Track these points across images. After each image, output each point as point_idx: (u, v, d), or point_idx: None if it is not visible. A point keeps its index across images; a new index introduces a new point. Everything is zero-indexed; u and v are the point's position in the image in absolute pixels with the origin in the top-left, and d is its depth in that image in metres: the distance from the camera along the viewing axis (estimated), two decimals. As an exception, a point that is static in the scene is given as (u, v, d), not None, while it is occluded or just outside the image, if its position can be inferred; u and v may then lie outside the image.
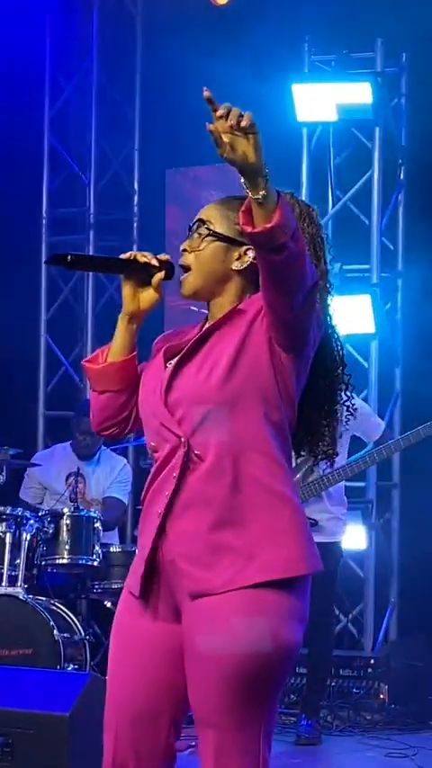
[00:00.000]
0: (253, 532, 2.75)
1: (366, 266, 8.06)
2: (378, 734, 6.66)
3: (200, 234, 2.95)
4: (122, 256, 3.01)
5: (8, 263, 8.61)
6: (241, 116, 2.59)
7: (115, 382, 3.04)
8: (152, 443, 2.91)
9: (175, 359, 2.93)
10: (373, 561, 7.84)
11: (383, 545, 7.99)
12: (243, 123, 2.57)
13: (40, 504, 7.29)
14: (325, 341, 2.94)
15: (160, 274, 2.99)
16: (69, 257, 2.91)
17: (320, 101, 7.79)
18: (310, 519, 6.23)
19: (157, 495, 2.86)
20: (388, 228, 8.20)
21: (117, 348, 3.05)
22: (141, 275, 3.00)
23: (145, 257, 2.98)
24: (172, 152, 8.59)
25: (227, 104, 2.62)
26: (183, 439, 2.81)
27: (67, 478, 7.11)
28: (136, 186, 9.20)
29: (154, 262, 2.98)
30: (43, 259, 9.08)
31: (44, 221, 9.25)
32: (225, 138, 2.59)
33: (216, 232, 2.93)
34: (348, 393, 3.07)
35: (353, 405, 3.11)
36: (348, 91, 7.74)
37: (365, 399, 7.49)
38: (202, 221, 2.96)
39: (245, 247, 2.91)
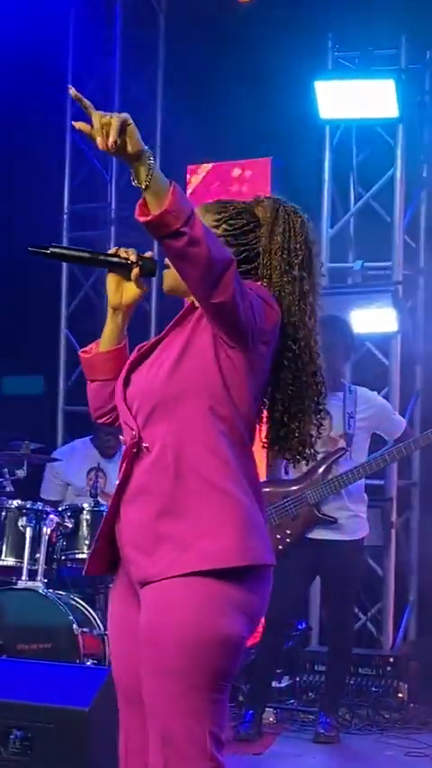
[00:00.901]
0: (191, 523, 2.81)
1: (388, 264, 8.04)
2: (397, 733, 6.65)
3: None
4: (110, 251, 3.08)
5: (29, 259, 8.59)
6: (119, 126, 2.64)
7: (103, 372, 3.15)
8: (122, 435, 3.04)
9: (133, 355, 3.06)
10: (393, 559, 7.82)
11: (403, 543, 7.98)
12: (111, 138, 2.64)
13: (62, 501, 7.29)
14: (292, 343, 2.97)
15: (136, 270, 3.05)
16: (50, 249, 2.99)
17: (344, 98, 7.78)
18: (329, 517, 6.30)
19: (117, 484, 2.98)
20: (410, 226, 8.18)
21: (105, 339, 3.16)
22: (122, 271, 3.08)
23: (126, 253, 3.05)
24: (193, 148, 8.58)
25: (101, 115, 2.69)
26: (134, 432, 2.91)
27: (87, 474, 7.12)
28: (158, 182, 9.18)
29: (132, 258, 3.05)
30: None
31: (65, 217, 9.26)
32: (97, 136, 2.65)
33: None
34: (319, 398, 3.06)
35: (323, 411, 3.10)
36: (372, 88, 7.72)
37: (386, 397, 7.46)
38: None
39: None
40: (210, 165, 8.32)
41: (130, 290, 3.10)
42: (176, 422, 2.86)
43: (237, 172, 8.22)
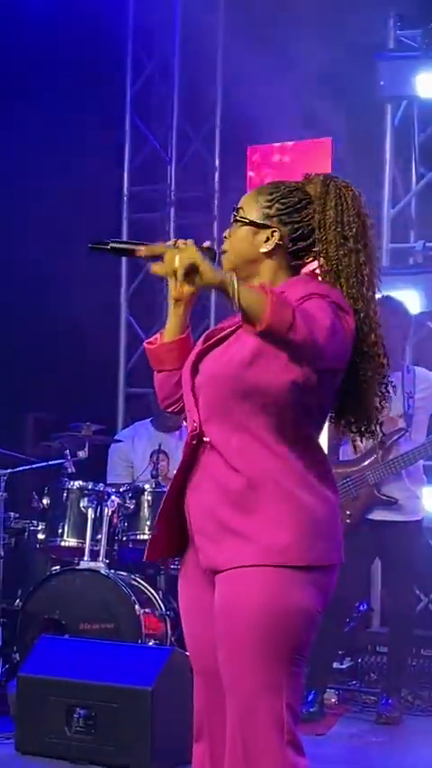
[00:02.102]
0: (256, 520, 2.87)
1: (450, 243, 8.00)
2: (459, 714, 6.65)
3: (235, 220, 3.11)
4: (168, 243, 3.07)
5: (89, 241, 8.65)
6: (185, 271, 2.79)
7: (168, 362, 3.19)
8: (186, 421, 3.09)
9: (201, 343, 3.10)
10: (454, 540, 7.79)
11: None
12: (179, 289, 2.94)
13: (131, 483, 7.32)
14: (361, 328, 2.98)
15: None
16: (109, 245, 3.08)
17: (405, 76, 7.74)
18: (389, 497, 6.30)
19: (177, 471, 3.05)
20: (473, 205, 8.14)
21: (168, 329, 3.19)
22: None
23: (184, 244, 3.03)
24: (253, 129, 8.57)
25: (170, 258, 2.84)
26: (196, 423, 2.98)
27: (151, 456, 7.15)
28: (217, 163, 9.19)
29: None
30: (124, 237, 9.14)
31: (125, 198, 9.29)
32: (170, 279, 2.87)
33: (243, 217, 3.08)
34: (381, 370, 3.06)
35: (390, 384, 3.11)
36: (433, 66, 7.68)
37: (447, 377, 7.43)
38: (237, 209, 3.12)
39: (271, 230, 3.05)
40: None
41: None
42: (241, 419, 2.91)
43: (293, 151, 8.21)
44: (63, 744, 5.13)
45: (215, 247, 3.09)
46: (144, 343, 3.29)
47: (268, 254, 3.05)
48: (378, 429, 3.11)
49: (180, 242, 3.02)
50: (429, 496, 6.74)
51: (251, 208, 3.08)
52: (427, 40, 7.81)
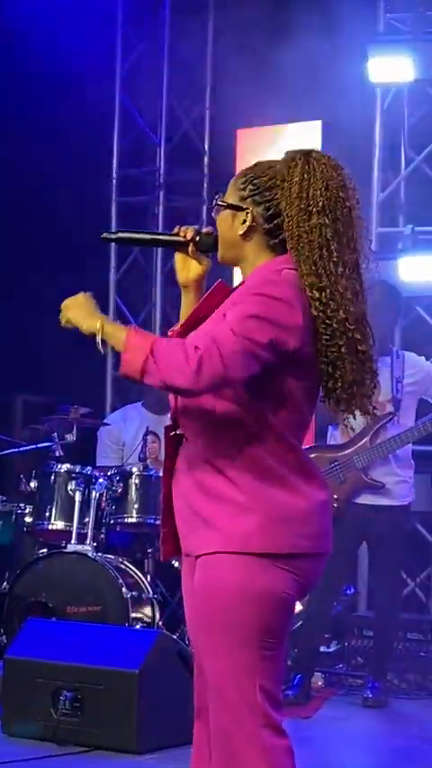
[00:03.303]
0: (220, 507, 2.90)
1: (438, 228, 8.01)
2: (445, 697, 6.68)
3: (215, 204, 3.12)
4: (174, 230, 3.18)
5: (78, 223, 8.64)
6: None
7: None
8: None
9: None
10: (441, 525, 7.83)
11: (451, 508, 7.96)
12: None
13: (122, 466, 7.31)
14: (317, 291, 2.89)
15: (191, 247, 3.16)
16: (117, 235, 3.23)
17: (395, 60, 7.73)
18: (376, 482, 6.31)
19: (164, 463, 3.10)
20: (461, 190, 8.14)
21: (183, 316, 3.21)
22: (182, 248, 3.19)
23: (184, 231, 3.15)
24: (243, 111, 8.56)
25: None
26: (173, 414, 3.02)
27: (143, 437, 7.13)
28: (206, 146, 9.20)
29: (189, 235, 3.14)
30: (113, 219, 9.14)
31: (114, 181, 9.28)
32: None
33: (224, 202, 3.08)
34: (359, 345, 2.96)
35: (368, 359, 3.01)
36: (423, 50, 7.66)
37: (435, 362, 7.45)
38: (220, 196, 3.12)
39: (244, 212, 3.03)
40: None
41: (195, 267, 3.18)
42: (210, 414, 2.92)
43: (284, 134, 8.20)
44: (49, 726, 5.14)
45: (215, 232, 3.12)
46: (169, 332, 3.23)
47: (246, 237, 3.03)
48: (368, 405, 3.03)
49: (182, 229, 3.15)
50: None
51: (231, 191, 3.07)
52: (417, 24, 7.80)
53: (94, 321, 2.92)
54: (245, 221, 3.02)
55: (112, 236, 3.23)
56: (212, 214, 3.13)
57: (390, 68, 7.76)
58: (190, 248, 3.15)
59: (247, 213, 3.02)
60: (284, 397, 2.92)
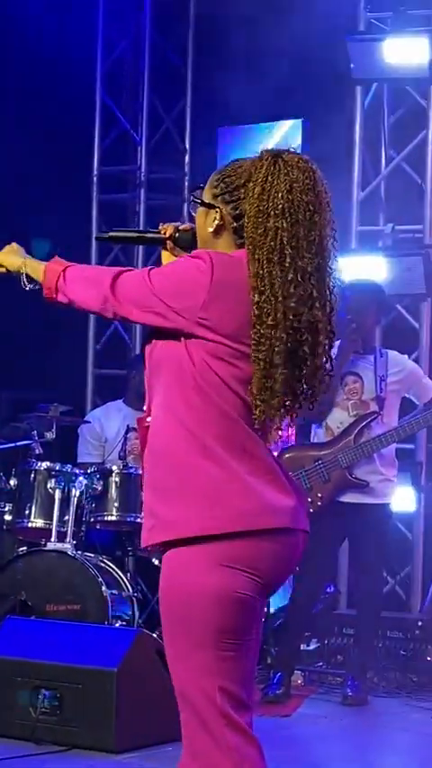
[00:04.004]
0: (157, 496, 2.91)
1: (419, 227, 7.98)
2: (425, 696, 6.65)
3: (192, 201, 3.14)
4: (173, 225, 3.24)
5: (58, 222, 8.61)
6: None
7: None
8: None
9: None
10: (422, 523, 7.80)
11: (432, 507, 7.95)
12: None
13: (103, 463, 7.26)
14: (257, 294, 2.85)
15: (170, 243, 3.21)
16: (108, 234, 3.39)
17: (375, 58, 7.70)
18: (360, 480, 6.29)
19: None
20: (442, 189, 8.11)
21: None
22: (164, 245, 3.26)
23: (164, 229, 3.21)
24: (224, 110, 8.53)
25: None
26: (147, 406, 3.03)
27: (126, 433, 7.09)
28: (187, 144, 9.17)
29: (168, 232, 3.19)
30: (94, 217, 9.11)
31: (95, 179, 9.24)
32: None
33: (199, 200, 3.08)
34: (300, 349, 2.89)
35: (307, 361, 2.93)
36: (404, 48, 7.63)
37: (416, 360, 7.43)
38: (199, 187, 3.13)
39: (215, 210, 3.02)
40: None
41: None
42: (161, 396, 2.95)
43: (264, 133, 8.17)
44: (28, 725, 5.10)
45: (194, 229, 3.14)
46: None
47: (216, 234, 3.02)
48: (305, 407, 2.94)
49: (163, 226, 3.19)
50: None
51: (207, 188, 3.07)
52: (397, 23, 7.77)
53: (18, 259, 3.15)
54: (215, 219, 3.01)
55: (105, 236, 3.39)
56: (190, 210, 3.14)
57: (370, 66, 7.72)
58: (168, 244, 3.18)
59: (217, 211, 3.01)
60: (216, 379, 2.89)
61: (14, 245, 3.21)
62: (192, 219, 3.15)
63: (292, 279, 2.85)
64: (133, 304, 2.94)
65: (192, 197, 3.11)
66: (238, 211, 2.97)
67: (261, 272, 2.85)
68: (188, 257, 2.96)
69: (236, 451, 2.87)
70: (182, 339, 2.89)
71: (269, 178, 2.88)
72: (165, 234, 3.20)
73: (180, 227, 3.17)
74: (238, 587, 2.84)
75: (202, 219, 3.05)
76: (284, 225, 2.85)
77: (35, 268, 3.10)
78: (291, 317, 2.84)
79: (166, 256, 3.22)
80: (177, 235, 3.18)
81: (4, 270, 3.17)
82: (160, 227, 3.22)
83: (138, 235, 3.48)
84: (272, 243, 2.85)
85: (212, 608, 2.83)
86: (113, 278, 2.96)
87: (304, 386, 2.91)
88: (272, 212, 2.85)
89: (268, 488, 2.88)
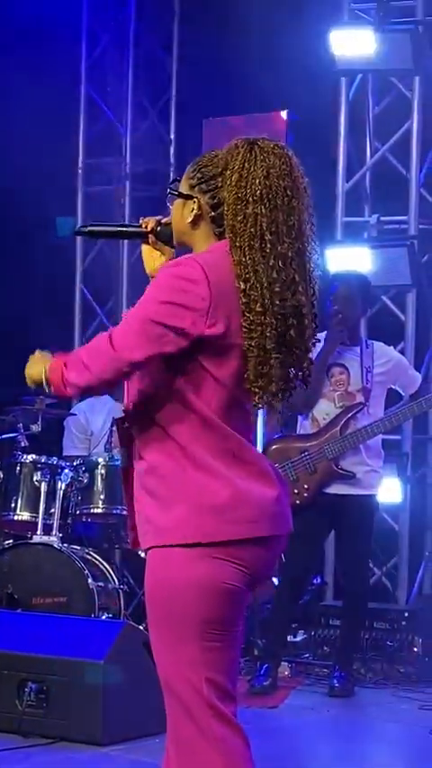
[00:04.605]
0: (152, 502, 2.90)
1: (404, 218, 7.97)
2: (411, 687, 6.65)
3: (168, 192, 3.10)
4: (142, 221, 3.21)
5: (44, 214, 8.58)
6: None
7: None
8: None
9: None
10: (408, 514, 7.81)
11: (418, 498, 7.95)
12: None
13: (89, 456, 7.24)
14: (242, 282, 2.85)
15: (151, 237, 3.18)
16: (88, 229, 3.29)
17: (359, 49, 7.68)
18: (347, 471, 6.28)
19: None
20: (426, 179, 8.09)
21: None
22: (145, 239, 3.21)
23: (145, 222, 3.17)
24: (209, 101, 8.51)
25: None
26: (124, 410, 3.04)
27: (112, 426, 7.08)
28: (172, 136, 9.14)
29: (149, 226, 3.16)
30: (79, 209, 9.09)
31: (80, 171, 9.21)
32: None
33: (175, 191, 3.06)
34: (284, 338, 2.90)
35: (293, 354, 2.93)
36: (388, 39, 7.62)
37: (402, 352, 7.43)
38: (174, 180, 3.12)
39: (192, 201, 3.00)
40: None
41: (159, 256, 3.18)
42: (140, 400, 2.94)
43: (250, 124, 8.14)
44: (14, 718, 5.08)
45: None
46: None
47: (194, 225, 3.00)
48: (274, 401, 2.91)
49: (145, 220, 3.17)
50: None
51: (183, 179, 3.05)
52: (381, 13, 7.75)
53: (40, 367, 3.00)
54: (192, 210, 2.99)
55: (84, 230, 3.28)
56: (167, 202, 3.11)
57: (354, 57, 7.71)
58: (150, 238, 3.16)
59: (195, 202, 2.99)
60: (204, 379, 2.87)
61: (38, 353, 3.06)
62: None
63: (273, 264, 2.85)
64: (135, 346, 2.84)
65: (168, 189, 3.07)
66: (215, 200, 2.96)
67: (244, 259, 2.85)
68: (172, 271, 2.88)
69: (227, 458, 2.88)
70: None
71: (246, 165, 2.88)
72: (146, 228, 3.17)
73: (162, 221, 3.15)
74: (225, 578, 2.85)
75: (179, 211, 3.03)
76: (263, 210, 2.85)
77: (47, 370, 2.99)
78: (277, 303, 2.85)
79: (147, 251, 3.20)
80: (159, 228, 3.15)
81: (32, 383, 3.05)
82: (141, 221, 3.19)
83: (118, 229, 3.43)
84: (252, 229, 2.85)
85: (200, 599, 2.83)
86: (109, 336, 2.89)
87: (296, 370, 2.93)
88: (250, 198, 2.86)
89: (262, 494, 2.89)
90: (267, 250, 2.85)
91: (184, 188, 3.03)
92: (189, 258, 2.92)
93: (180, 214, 3.03)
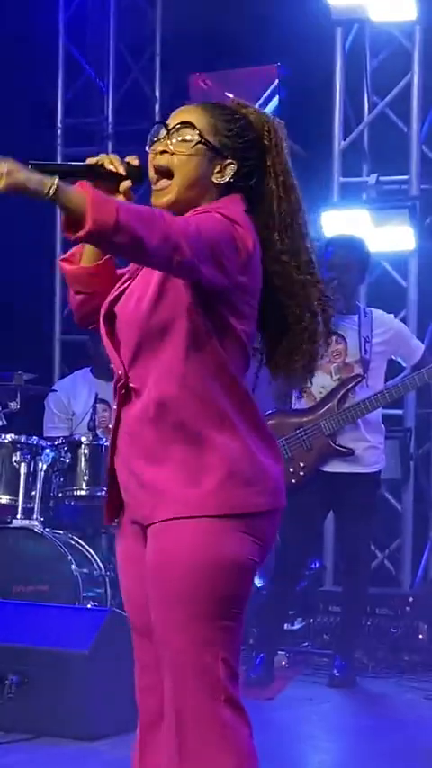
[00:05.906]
0: (173, 471, 2.87)
1: (405, 177, 7.97)
2: (417, 676, 6.68)
3: (186, 139, 2.97)
4: (90, 161, 2.98)
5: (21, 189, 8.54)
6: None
7: (88, 285, 3.10)
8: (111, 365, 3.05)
9: (116, 290, 3.03)
10: (412, 494, 7.83)
11: (423, 476, 7.97)
12: None
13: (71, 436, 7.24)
14: (290, 274, 2.98)
15: (127, 182, 2.98)
16: (30, 164, 2.82)
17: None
18: (345, 448, 6.28)
19: (111, 427, 3.05)
20: (429, 137, 8.08)
21: (88, 253, 3.08)
22: (109, 183, 2.98)
23: (112, 164, 2.97)
24: (195, 55, 8.48)
25: None
26: (121, 372, 2.96)
27: (95, 404, 7.07)
28: (157, 93, 9.12)
29: (121, 170, 2.97)
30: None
31: (59, 132, 9.19)
32: None
33: (207, 141, 2.96)
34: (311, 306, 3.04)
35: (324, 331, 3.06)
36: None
37: (404, 320, 7.44)
38: (188, 124, 2.97)
39: (228, 161, 2.98)
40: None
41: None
42: (161, 362, 2.88)
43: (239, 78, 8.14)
44: (-6, 711, 5.10)
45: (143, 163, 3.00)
46: (59, 260, 3.19)
47: (216, 185, 2.97)
48: (307, 377, 3.10)
49: (106, 159, 2.97)
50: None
51: (209, 131, 2.96)
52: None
53: (35, 176, 2.64)
54: (221, 170, 2.97)
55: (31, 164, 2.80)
56: (165, 134, 2.99)
57: (350, 5, 7.71)
58: (125, 183, 2.97)
59: (230, 165, 2.97)
60: (234, 335, 2.90)
61: (11, 159, 2.67)
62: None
63: (306, 247, 3.02)
64: (205, 255, 2.75)
65: (197, 134, 2.94)
66: (244, 171, 2.98)
67: (285, 246, 2.98)
68: (221, 214, 2.84)
69: (249, 423, 2.91)
70: (200, 303, 2.84)
71: (284, 145, 3.02)
72: (127, 166, 2.97)
73: (128, 161, 2.99)
74: (250, 552, 2.89)
75: (202, 163, 2.95)
76: (300, 196, 3.02)
77: (69, 194, 2.64)
78: (301, 280, 3.00)
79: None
80: (129, 172, 2.97)
81: (13, 188, 2.64)
82: (100, 160, 2.97)
83: (71, 167, 3.03)
84: (293, 213, 2.99)
85: (225, 575, 2.85)
86: (185, 219, 2.79)
87: (311, 345, 3.04)
88: (289, 183, 3.00)
89: (274, 463, 2.95)
90: (304, 231, 3.02)
91: (211, 137, 2.96)
92: (236, 213, 2.90)
93: (203, 166, 2.95)
